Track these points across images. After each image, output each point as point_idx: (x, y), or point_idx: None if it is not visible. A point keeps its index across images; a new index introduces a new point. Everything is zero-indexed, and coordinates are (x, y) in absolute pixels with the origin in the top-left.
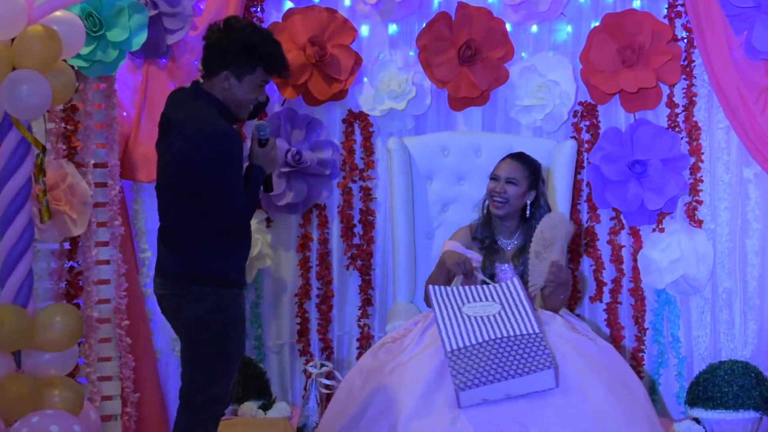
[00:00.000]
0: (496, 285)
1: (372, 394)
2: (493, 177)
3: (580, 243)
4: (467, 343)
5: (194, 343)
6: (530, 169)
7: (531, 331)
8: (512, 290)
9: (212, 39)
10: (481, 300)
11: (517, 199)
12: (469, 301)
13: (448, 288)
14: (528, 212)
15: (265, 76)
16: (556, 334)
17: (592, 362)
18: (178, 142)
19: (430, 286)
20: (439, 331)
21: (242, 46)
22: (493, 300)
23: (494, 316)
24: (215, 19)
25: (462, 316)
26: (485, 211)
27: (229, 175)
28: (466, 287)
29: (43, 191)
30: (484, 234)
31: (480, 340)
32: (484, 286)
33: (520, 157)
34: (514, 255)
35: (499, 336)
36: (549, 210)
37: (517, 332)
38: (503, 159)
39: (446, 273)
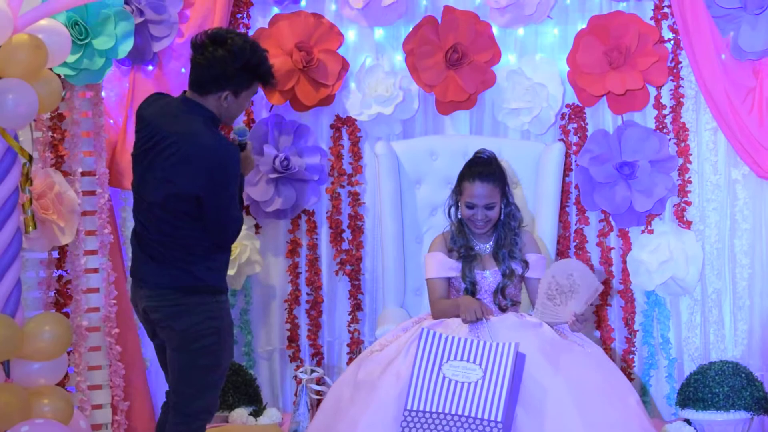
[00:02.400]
0: (492, 344)
1: (362, 410)
2: (469, 205)
3: (569, 246)
4: (428, 409)
5: (187, 353)
6: (500, 182)
7: (493, 418)
8: (502, 360)
9: (210, 59)
10: (467, 359)
11: (497, 215)
12: (455, 357)
13: (441, 336)
14: (502, 215)
15: (257, 87)
16: (544, 341)
17: (583, 368)
18: (177, 160)
19: (424, 330)
20: (410, 382)
21: (245, 67)
22: (479, 364)
23: (469, 384)
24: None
25: (438, 375)
26: (456, 221)
27: (229, 193)
28: (460, 339)
29: (29, 200)
30: (459, 244)
31: (441, 410)
32: (478, 341)
33: (489, 175)
34: (492, 255)
35: (459, 413)
36: (516, 207)
37: (479, 415)
38: (471, 181)
39: (447, 288)
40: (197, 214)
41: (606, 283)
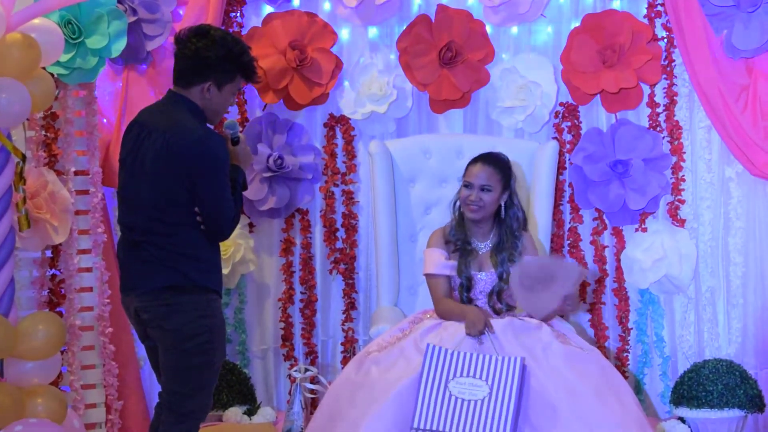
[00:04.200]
0: (498, 359)
1: (363, 414)
2: (466, 184)
3: (563, 244)
4: (434, 428)
5: (179, 352)
6: (502, 171)
7: None
8: (509, 376)
9: (193, 49)
10: (473, 375)
11: (492, 204)
12: (461, 374)
13: (447, 351)
14: (502, 213)
15: (241, 83)
16: (544, 344)
17: (581, 372)
18: (161, 152)
19: (429, 345)
20: (416, 399)
21: (227, 56)
22: (485, 380)
23: (476, 402)
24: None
25: (444, 392)
26: (457, 214)
27: (218, 185)
28: (466, 354)
29: (23, 199)
30: (457, 237)
31: (448, 429)
32: (484, 356)
33: (492, 160)
34: (490, 256)
35: None
36: (521, 208)
37: None
38: (474, 163)
39: (449, 283)
40: (189, 209)
41: (600, 281)
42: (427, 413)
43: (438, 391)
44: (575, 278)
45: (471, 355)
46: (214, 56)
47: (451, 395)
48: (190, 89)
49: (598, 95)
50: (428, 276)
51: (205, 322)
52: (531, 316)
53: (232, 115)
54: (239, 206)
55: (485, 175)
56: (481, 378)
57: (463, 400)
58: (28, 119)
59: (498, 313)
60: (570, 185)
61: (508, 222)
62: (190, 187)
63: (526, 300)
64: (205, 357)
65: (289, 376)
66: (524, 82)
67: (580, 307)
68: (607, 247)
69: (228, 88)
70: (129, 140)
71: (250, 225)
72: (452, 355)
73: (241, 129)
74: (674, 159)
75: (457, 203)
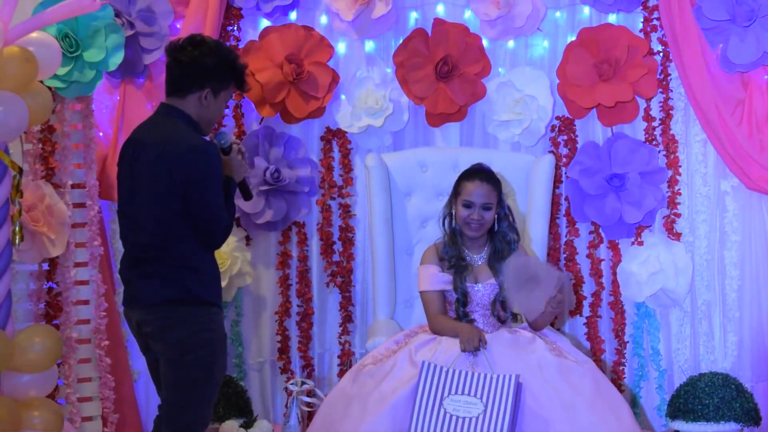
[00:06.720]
0: (492, 376)
1: (356, 426)
2: (467, 204)
3: (559, 257)
4: None
5: (179, 365)
6: (497, 187)
7: None
8: (503, 393)
9: (190, 57)
10: (467, 393)
11: (491, 220)
12: (455, 392)
13: (442, 369)
14: (496, 225)
15: (233, 91)
16: (538, 357)
17: (576, 385)
18: (156, 164)
19: (424, 362)
20: (411, 416)
21: (223, 64)
22: (480, 398)
23: (470, 420)
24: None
25: (439, 410)
26: (449, 230)
27: (212, 193)
28: (461, 372)
29: (18, 212)
30: (451, 254)
31: None
32: (479, 374)
33: (487, 177)
34: (488, 267)
35: None
36: (513, 217)
37: None
38: (470, 180)
39: (443, 301)
40: (188, 221)
41: (596, 294)
42: (422, 428)
43: (433, 409)
44: (555, 281)
45: (466, 372)
46: (211, 63)
47: (446, 413)
48: (185, 98)
49: (594, 109)
50: (423, 293)
51: (206, 336)
52: (528, 322)
53: (229, 128)
54: (232, 216)
55: (486, 192)
56: (475, 395)
57: (458, 417)
58: (25, 132)
59: (503, 321)
60: (566, 199)
61: (502, 232)
62: (183, 195)
63: (518, 298)
64: (205, 370)
65: (286, 389)
66: (520, 96)
67: (564, 308)
68: (603, 260)
69: (222, 95)
70: (125, 158)
71: (247, 238)
72: (447, 372)
73: (239, 140)
74: (670, 173)
75: (446, 219)
